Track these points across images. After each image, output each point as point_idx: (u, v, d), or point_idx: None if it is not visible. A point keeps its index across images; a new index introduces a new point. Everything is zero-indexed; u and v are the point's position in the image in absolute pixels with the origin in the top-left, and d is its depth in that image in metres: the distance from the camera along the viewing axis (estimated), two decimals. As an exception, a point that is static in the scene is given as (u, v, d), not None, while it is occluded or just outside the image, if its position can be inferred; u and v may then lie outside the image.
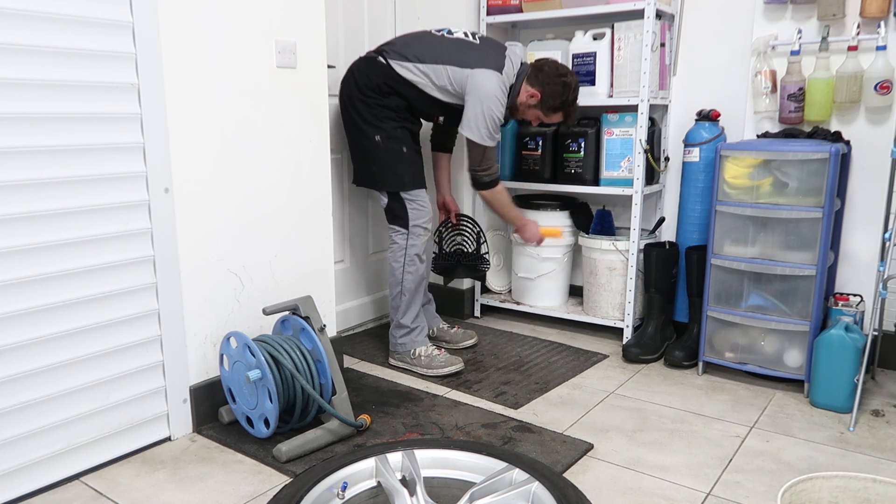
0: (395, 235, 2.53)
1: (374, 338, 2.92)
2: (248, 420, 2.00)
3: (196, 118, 1.94)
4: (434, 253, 2.91)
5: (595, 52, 2.77)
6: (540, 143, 2.96)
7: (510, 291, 3.29)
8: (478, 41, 2.47)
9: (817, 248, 2.22)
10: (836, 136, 2.40)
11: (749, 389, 2.37)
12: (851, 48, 2.35)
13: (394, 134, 2.45)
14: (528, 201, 3.04)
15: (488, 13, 2.99)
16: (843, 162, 2.37)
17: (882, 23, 2.30)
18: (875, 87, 2.32)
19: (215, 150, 2.00)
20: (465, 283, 3.24)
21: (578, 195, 3.10)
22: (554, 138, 2.94)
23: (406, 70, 2.40)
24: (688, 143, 2.61)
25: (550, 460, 1.84)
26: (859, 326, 2.28)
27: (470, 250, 2.92)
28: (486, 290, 3.30)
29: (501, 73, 2.37)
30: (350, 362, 2.64)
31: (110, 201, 1.78)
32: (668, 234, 2.97)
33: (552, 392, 2.35)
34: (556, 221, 2.99)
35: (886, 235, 2.19)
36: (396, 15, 3.03)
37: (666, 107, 2.91)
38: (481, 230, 2.94)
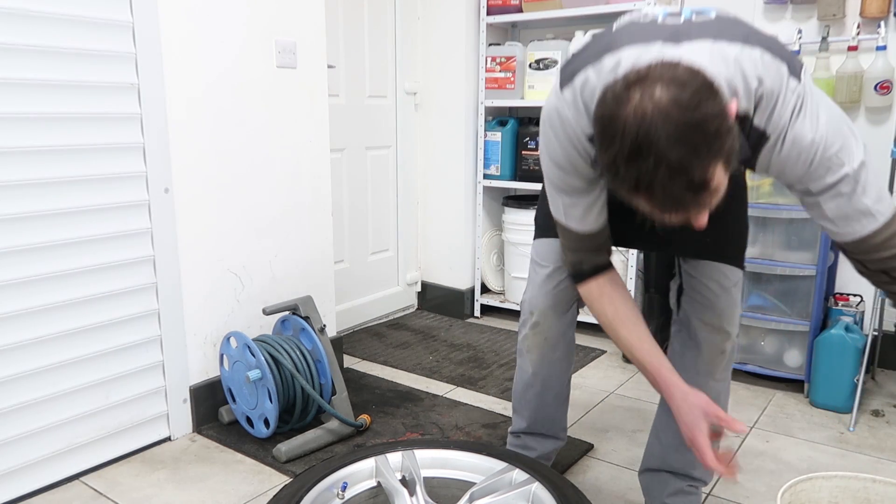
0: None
1: (374, 338, 2.92)
2: (248, 420, 2.00)
3: (196, 118, 1.94)
4: None
5: (595, 52, 2.76)
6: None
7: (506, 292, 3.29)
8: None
9: (817, 248, 2.22)
10: (836, 136, 2.40)
11: (749, 389, 2.37)
12: (851, 48, 2.35)
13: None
14: (528, 201, 3.04)
15: (488, 13, 2.99)
16: (843, 162, 2.36)
17: (882, 23, 2.30)
18: (875, 87, 2.32)
19: (215, 150, 2.00)
20: (465, 283, 3.24)
21: (578, 195, 3.09)
22: (554, 138, 2.93)
23: None
24: (688, 143, 2.61)
25: (550, 460, 1.83)
26: (859, 326, 2.28)
27: None
28: (485, 289, 3.30)
29: (563, 88, 1.16)
30: (350, 362, 2.64)
31: (110, 201, 1.78)
32: (668, 234, 2.97)
33: (552, 392, 2.35)
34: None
35: (886, 235, 2.19)
36: (396, 15, 3.03)
37: (666, 107, 2.91)
38: None
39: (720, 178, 0.94)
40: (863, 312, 2.37)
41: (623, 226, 1.32)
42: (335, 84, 2.75)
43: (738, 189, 1.41)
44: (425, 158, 3.23)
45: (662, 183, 0.92)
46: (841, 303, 2.33)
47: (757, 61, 1.03)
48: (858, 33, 2.34)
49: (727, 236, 1.38)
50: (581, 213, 1.25)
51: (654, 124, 0.90)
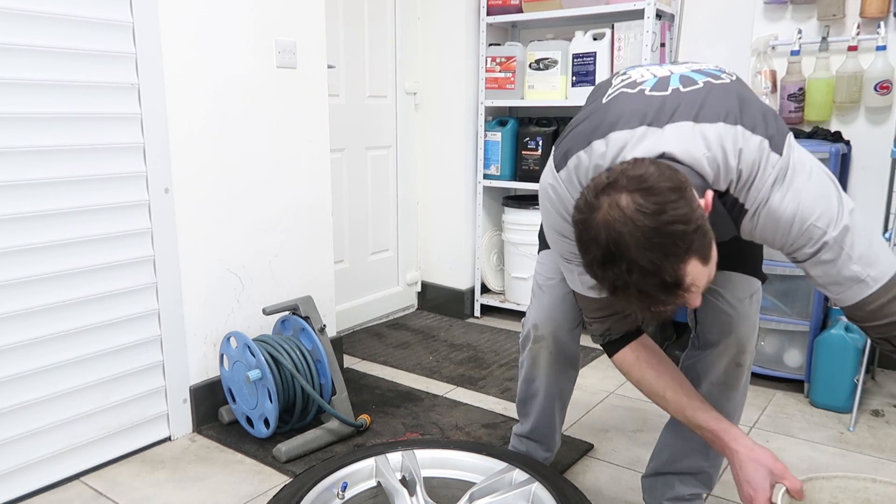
0: None
1: (374, 338, 2.92)
2: (248, 420, 2.00)
3: (196, 118, 1.94)
4: None
5: (595, 53, 2.77)
6: (540, 142, 2.96)
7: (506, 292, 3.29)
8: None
9: (817, 248, 2.22)
10: (836, 136, 2.40)
11: (749, 389, 2.36)
12: (851, 48, 2.35)
13: None
14: (528, 201, 3.04)
15: (488, 13, 2.99)
16: (843, 162, 2.37)
17: (882, 23, 2.30)
18: (875, 87, 2.32)
19: (215, 150, 2.00)
20: (465, 283, 3.24)
21: (578, 195, 3.09)
22: (553, 138, 2.94)
23: None
24: (688, 143, 2.61)
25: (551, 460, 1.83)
26: (859, 326, 2.28)
27: None
28: (485, 289, 3.30)
29: (559, 170, 1.20)
30: (350, 362, 2.64)
31: (110, 201, 1.78)
32: (668, 234, 2.97)
33: (552, 392, 2.35)
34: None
35: (886, 235, 2.19)
36: (396, 15, 3.03)
37: (666, 107, 2.90)
38: None
39: (696, 272, 0.96)
40: (863, 312, 2.37)
41: None
42: (335, 84, 2.75)
43: None
44: (425, 158, 3.23)
45: (637, 285, 0.96)
46: (841, 303, 2.33)
47: (738, 138, 1.05)
48: (858, 33, 2.34)
49: (741, 246, 1.33)
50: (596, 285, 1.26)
51: (622, 233, 0.94)
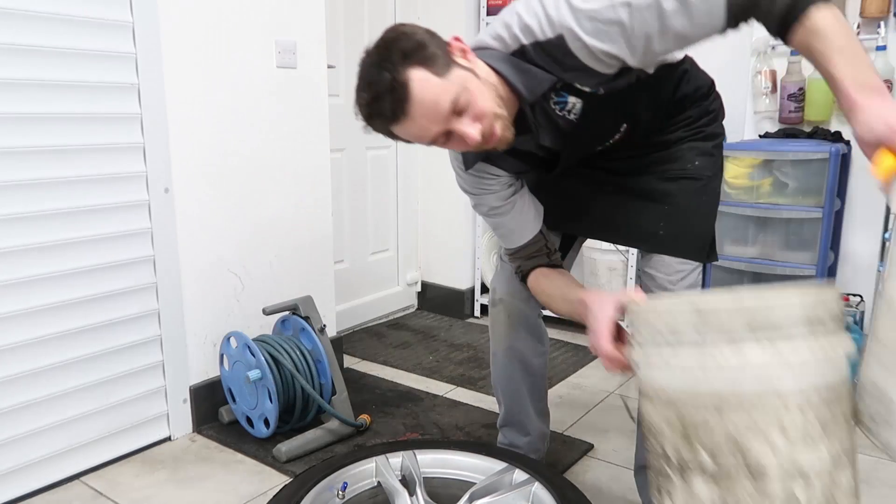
0: None
1: (374, 338, 2.92)
2: (248, 420, 2.00)
3: (196, 118, 1.94)
4: None
5: (595, 52, 2.76)
6: (540, 142, 2.95)
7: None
8: None
9: (817, 248, 2.22)
10: (836, 136, 2.40)
11: (749, 389, 2.36)
12: (851, 48, 2.35)
13: None
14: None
15: (488, 13, 2.99)
16: (843, 162, 2.37)
17: (882, 23, 2.30)
18: (875, 87, 2.32)
19: (215, 150, 2.00)
20: (465, 283, 3.24)
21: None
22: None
23: None
24: (688, 143, 2.61)
25: (550, 460, 1.83)
26: (859, 326, 2.28)
27: None
28: (486, 289, 3.30)
29: None
30: (350, 362, 2.64)
31: (110, 201, 1.78)
32: (668, 234, 2.97)
33: (552, 391, 2.35)
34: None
35: (886, 235, 2.19)
36: (396, 15, 3.03)
37: (666, 107, 2.90)
38: None
39: (426, 81, 1.05)
40: (863, 312, 2.37)
41: (569, 218, 1.50)
42: (335, 84, 2.74)
43: (696, 182, 1.40)
44: (425, 158, 3.23)
45: (374, 103, 1.07)
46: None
47: (510, 12, 1.18)
48: (858, 33, 2.34)
49: (676, 229, 1.36)
50: (506, 232, 1.45)
51: (360, 64, 1.10)
